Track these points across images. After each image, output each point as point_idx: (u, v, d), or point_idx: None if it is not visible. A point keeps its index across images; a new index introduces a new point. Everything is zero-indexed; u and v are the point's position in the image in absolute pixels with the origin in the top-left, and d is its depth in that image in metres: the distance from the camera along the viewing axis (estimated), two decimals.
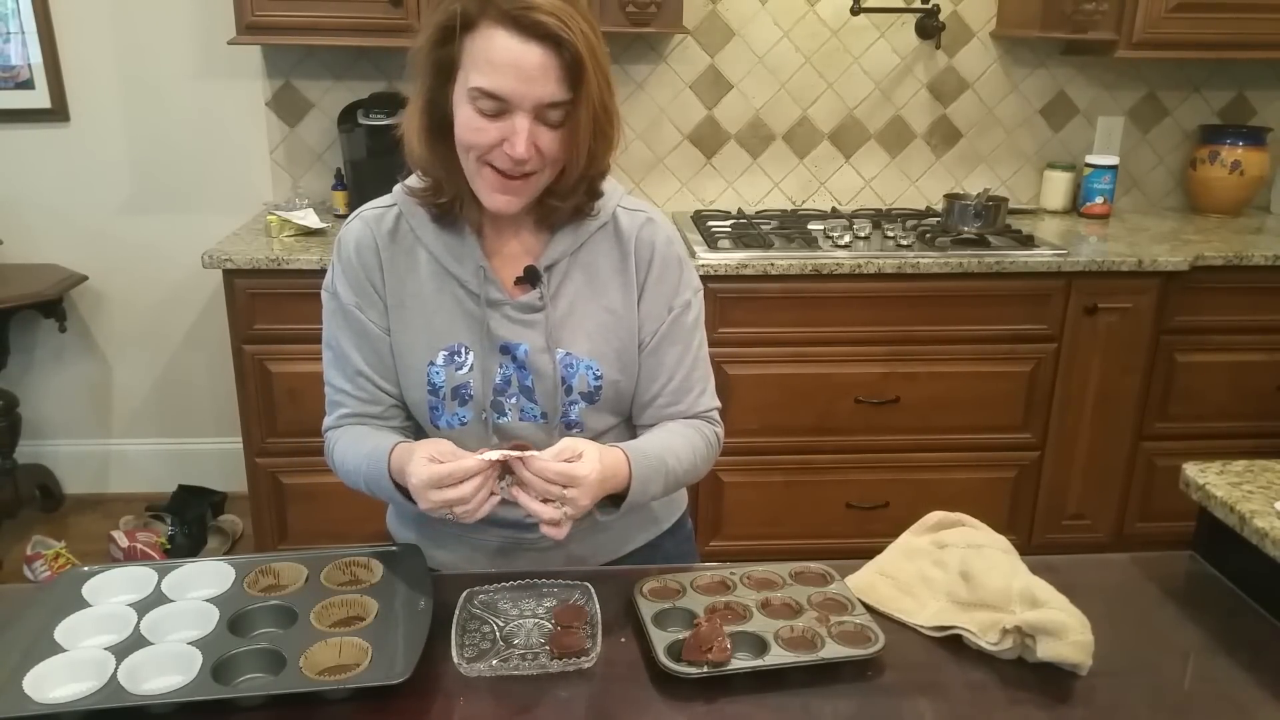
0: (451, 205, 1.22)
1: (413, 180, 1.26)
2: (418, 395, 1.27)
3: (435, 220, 1.24)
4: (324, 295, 1.30)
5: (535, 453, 1.09)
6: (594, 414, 1.28)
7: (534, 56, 1.08)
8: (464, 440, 1.27)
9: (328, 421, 1.33)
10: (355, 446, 1.25)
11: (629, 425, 1.35)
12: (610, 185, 1.27)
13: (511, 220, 1.25)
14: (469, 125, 1.12)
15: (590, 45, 1.10)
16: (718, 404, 1.35)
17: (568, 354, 1.25)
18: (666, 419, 1.31)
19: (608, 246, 1.27)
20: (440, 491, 1.08)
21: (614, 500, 1.19)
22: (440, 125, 1.16)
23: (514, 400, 1.27)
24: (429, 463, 1.10)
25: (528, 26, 1.07)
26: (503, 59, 1.08)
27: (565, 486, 1.08)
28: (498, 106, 1.10)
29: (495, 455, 1.09)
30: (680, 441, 1.27)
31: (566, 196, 1.21)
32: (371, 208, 1.29)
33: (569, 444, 1.12)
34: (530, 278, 1.25)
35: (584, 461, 1.10)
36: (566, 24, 1.07)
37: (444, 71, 1.13)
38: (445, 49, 1.11)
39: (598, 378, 1.26)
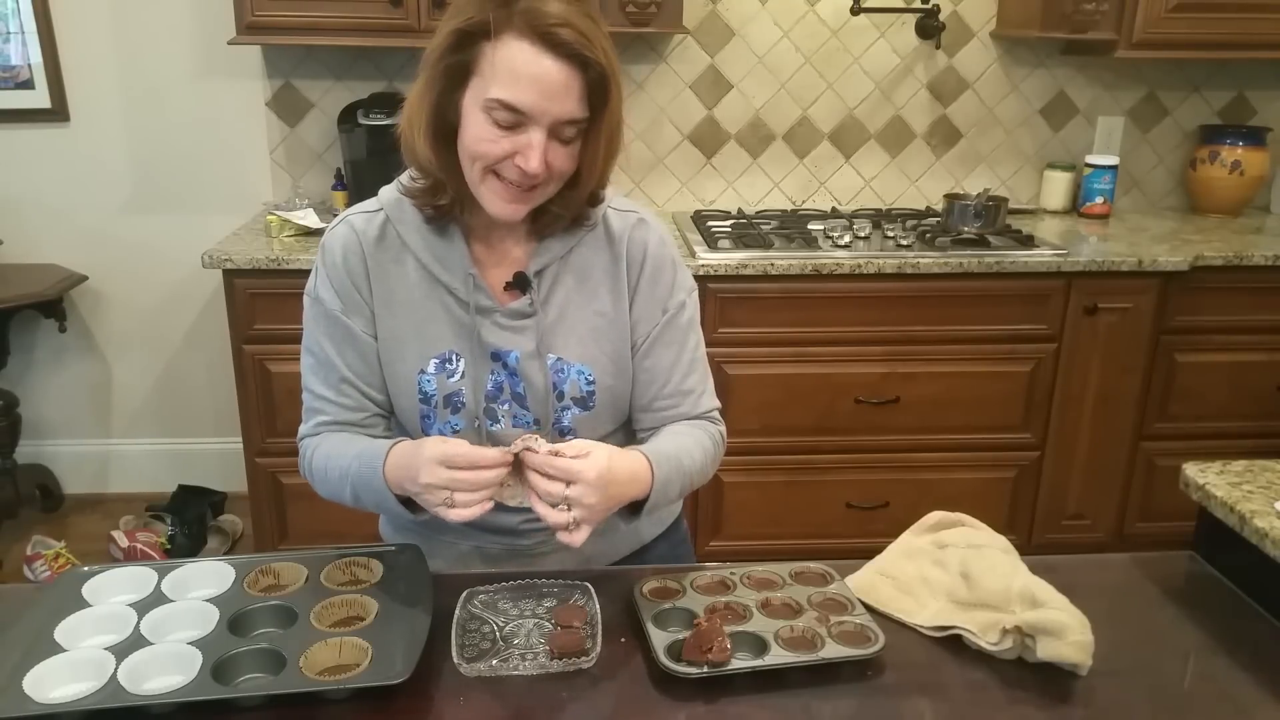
0: (450, 208, 1.21)
1: (407, 179, 1.24)
2: (408, 403, 1.26)
3: (425, 225, 1.23)
4: (305, 300, 1.27)
5: (537, 447, 1.07)
6: (589, 421, 1.27)
7: (558, 74, 1.07)
8: None
9: (304, 429, 1.29)
10: (342, 448, 1.23)
11: (628, 432, 1.34)
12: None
13: (504, 227, 1.23)
14: (481, 136, 1.11)
15: (613, 66, 1.09)
16: (718, 404, 1.34)
17: (559, 359, 1.24)
18: (667, 422, 1.29)
19: (598, 249, 1.26)
20: (450, 472, 1.05)
21: (632, 507, 1.17)
22: (446, 129, 1.15)
23: (506, 408, 1.26)
24: (442, 441, 1.08)
25: (556, 44, 1.06)
26: (526, 72, 1.06)
27: (568, 484, 1.06)
28: (514, 119, 1.09)
29: (515, 449, 1.06)
30: (691, 442, 1.26)
31: (570, 207, 1.20)
32: (357, 212, 1.26)
33: (579, 444, 1.10)
34: (520, 284, 1.24)
35: (589, 460, 1.07)
36: (594, 43, 1.07)
37: (457, 77, 1.11)
38: (463, 54, 1.10)
39: (590, 383, 1.25)
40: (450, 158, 1.16)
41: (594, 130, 1.12)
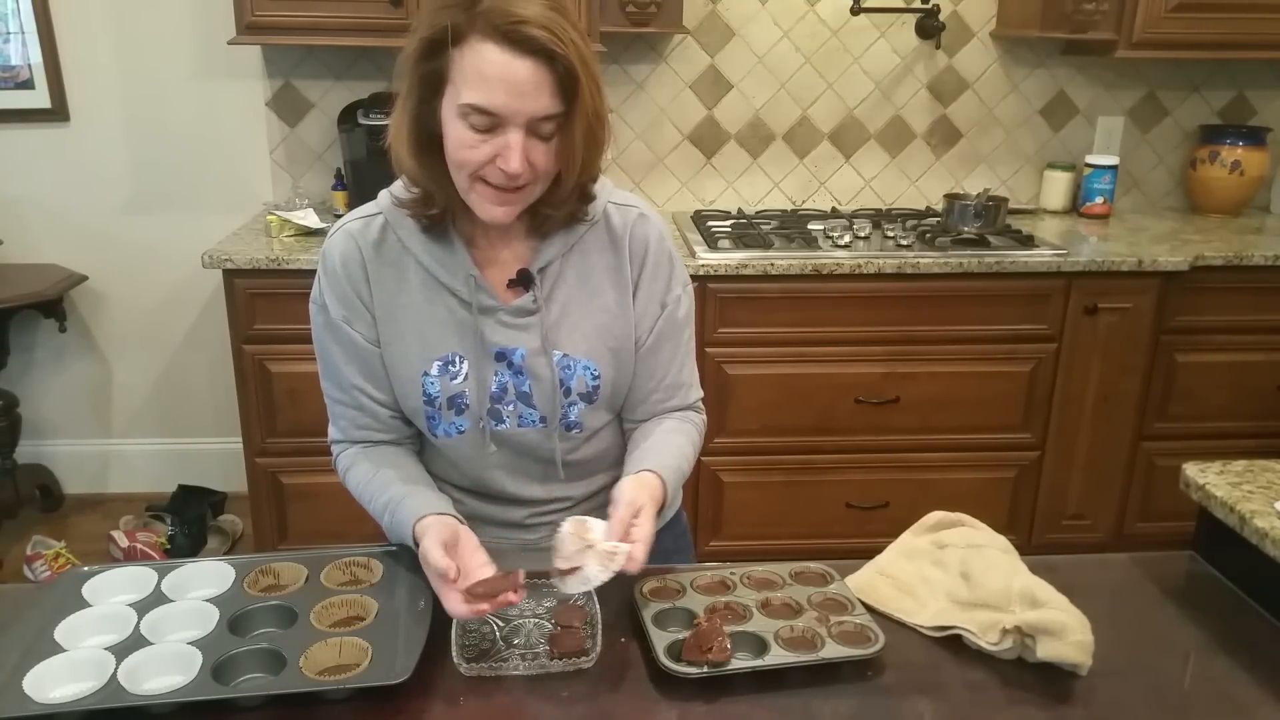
0: (442, 216, 1.21)
1: (399, 190, 1.23)
2: (414, 405, 1.26)
3: (424, 231, 1.23)
4: (312, 308, 1.28)
5: (619, 547, 1.09)
6: (592, 413, 1.28)
7: (526, 71, 1.06)
8: (462, 448, 1.28)
9: (332, 433, 1.33)
10: (375, 490, 1.25)
11: (618, 418, 1.35)
12: (599, 183, 1.25)
13: (503, 229, 1.23)
14: (461, 143, 1.10)
15: (582, 56, 1.08)
16: (702, 393, 1.38)
17: (565, 355, 1.25)
18: (660, 414, 1.32)
19: (600, 245, 1.26)
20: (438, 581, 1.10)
21: None
22: (429, 138, 1.14)
23: (511, 407, 1.26)
24: (434, 552, 1.10)
25: (518, 41, 1.05)
26: (494, 74, 1.06)
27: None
28: (490, 122, 1.08)
29: (584, 583, 1.08)
30: (684, 441, 1.29)
31: (561, 205, 1.20)
32: (355, 218, 1.26)
33: (626, 505, 1.12)
34: (523, 281, 1.24)
35: (643, 520, 1.11)
36: (559, 37, 1.06)
37: (432, 85, 1.11)
38: (433, 63, 1.10)
39: (595, 377, 1.26)
40: (437, 167, 1.16)
41: (569, 122, 1.11)
